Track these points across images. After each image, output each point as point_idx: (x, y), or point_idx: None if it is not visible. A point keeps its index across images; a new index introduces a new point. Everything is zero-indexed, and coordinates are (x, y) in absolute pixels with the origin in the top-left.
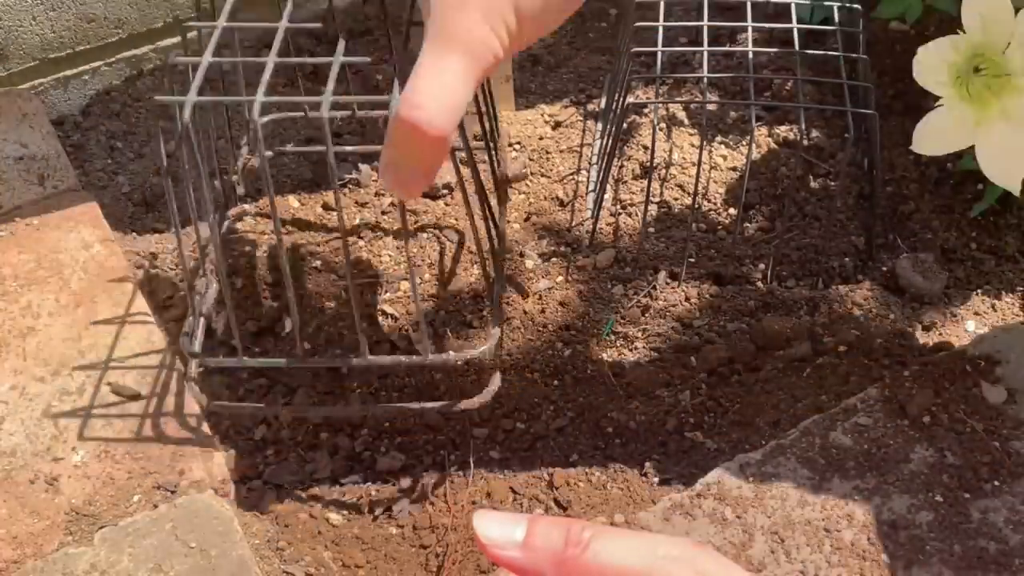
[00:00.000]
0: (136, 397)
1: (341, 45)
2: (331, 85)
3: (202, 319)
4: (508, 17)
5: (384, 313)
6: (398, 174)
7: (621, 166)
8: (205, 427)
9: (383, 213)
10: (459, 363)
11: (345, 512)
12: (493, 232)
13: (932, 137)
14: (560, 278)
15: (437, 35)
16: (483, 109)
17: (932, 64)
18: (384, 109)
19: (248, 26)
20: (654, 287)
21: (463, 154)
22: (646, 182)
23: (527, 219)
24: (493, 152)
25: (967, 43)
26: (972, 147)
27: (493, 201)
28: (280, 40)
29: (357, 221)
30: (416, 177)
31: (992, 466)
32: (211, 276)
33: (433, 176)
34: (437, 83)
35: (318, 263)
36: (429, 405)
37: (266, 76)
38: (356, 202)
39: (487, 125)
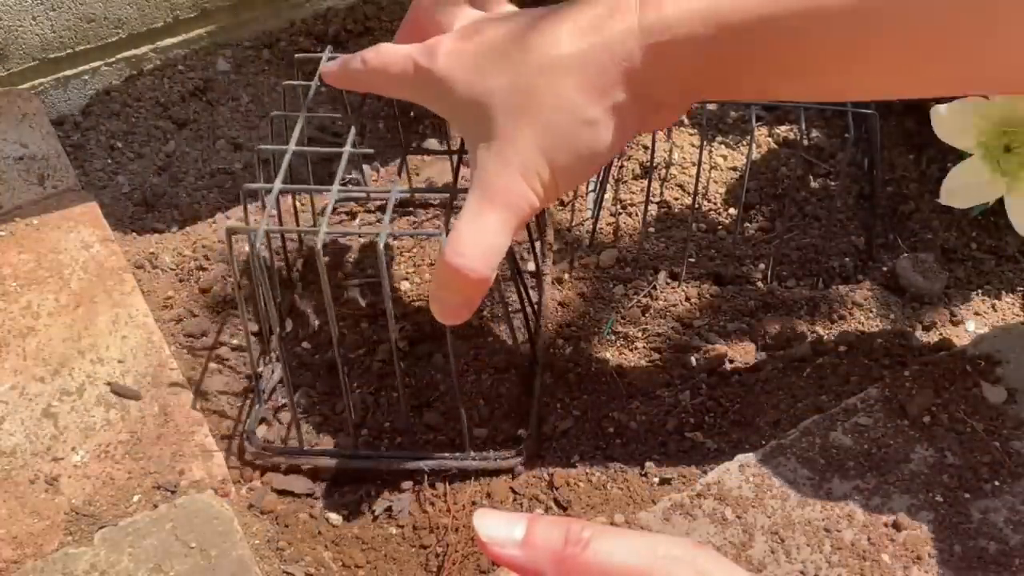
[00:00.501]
0: (136, 397)
1: (351, 135)
2: (387, 218)
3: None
4: (543, 172)
5: (384, 312)
6: (444, 306)
7: (621, 166)
8: (205, 427)
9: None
10: (499, 463)
11: (345, 512)
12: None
13: (961, 192)
14: (563, 275)
15: (480, 189)
16: (534, 236)
17: (955, 128)
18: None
19: (314, 151)
20: (654, 287)
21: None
22: (646, 182)
23: None
24: (541, 280)
25: (995, 112)
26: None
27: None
28: (344, 166)
29: (358, 221)
30: (460, 309)
31: (992, 466)
32: (275, 362)
33: (475, 307)
34: (479, 233)
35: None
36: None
37: (329, 209)
38: (357, 202)
39: (537, 249)
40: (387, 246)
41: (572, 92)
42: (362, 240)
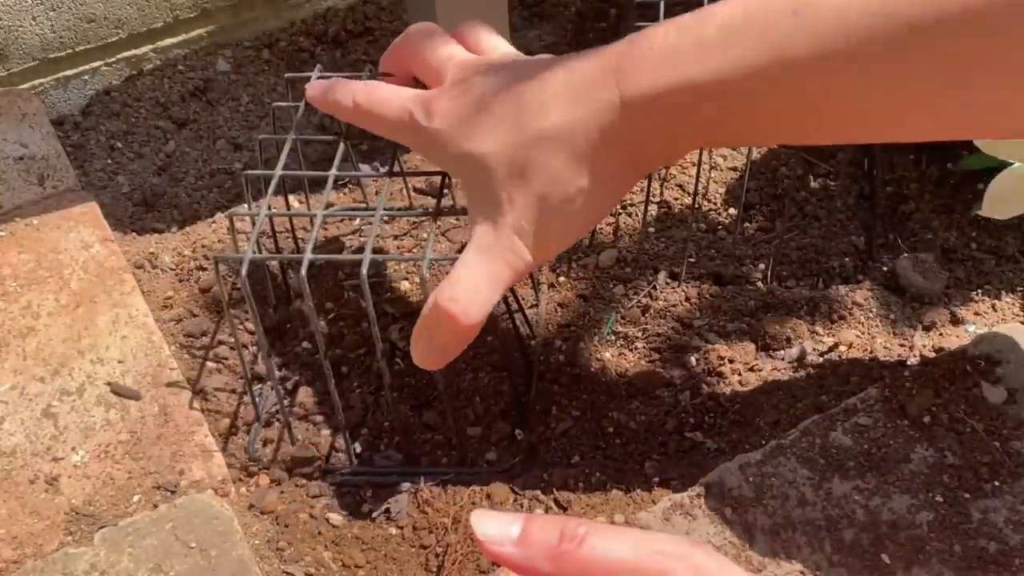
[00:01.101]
0: (136, 397)
1: (339, 153)
2: (369, 247)
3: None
4: (538, 236)
5: (384, 312)
6: (424, 349)
7: None
8: (205, 427)
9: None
10: (499, 478)
11: (345, 512)
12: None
13: (1005, 200)
14: (561, 278)
15: (477, 243)
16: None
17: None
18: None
19: (304, 174)
20: (654, 287)
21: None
22: (646, 182)
23: None
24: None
25: None
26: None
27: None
28: (331, 185)
29: (357, 222)
30: (440, 355)
31: (992, 466)
32: (268, 384)
33: (453, 355)
34: (474, 281)
35: (320, 262)
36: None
37: (315, 233)
38: (355, 200)
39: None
40: (382, 250)
41: (563, 165)
42: (361, 239)
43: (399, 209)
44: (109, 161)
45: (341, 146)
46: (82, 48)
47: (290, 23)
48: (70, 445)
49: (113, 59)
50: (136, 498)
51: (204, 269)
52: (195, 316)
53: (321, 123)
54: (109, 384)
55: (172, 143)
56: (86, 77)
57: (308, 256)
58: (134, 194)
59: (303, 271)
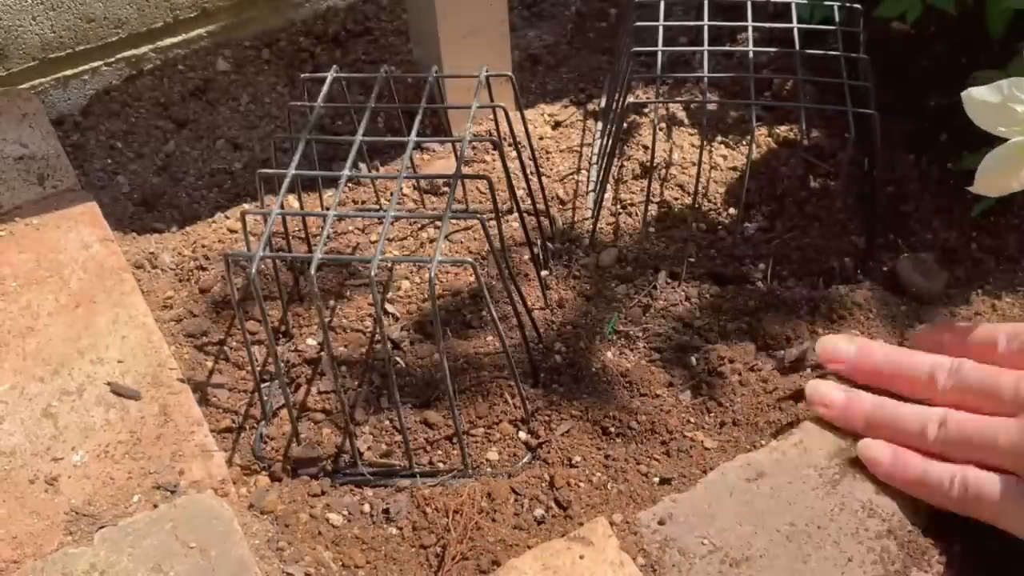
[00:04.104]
0: (136, 397)
1: (352, 154)
2: (381, 243)
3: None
4: None
5: (385, 312)
6: None
7: (621, 166)
8: (205, 427)
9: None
10: (500, 477)
11: (345, 512)
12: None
13: (996, 176)
14: (562, 278)
15: None
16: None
17: (991, 111)
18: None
19: (315, 174)
20: (655, 287)
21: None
22: (646, 182)
23: None
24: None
25: None
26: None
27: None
28: (343, 185)
29: (360, 222)
30: None
31: None
32: (275, 381)
33: None
34: None
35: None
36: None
37: (324, 233)
38: (353, 200)
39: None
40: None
41: None
42: (367, 236)
43: (408, 211)
44: (109, 161)
45: (354, 147)
46: (82, 48)
47: (290, 23)
48: (70, 445)
49: (113, 59)
50: (136, 498)
51: (204, 269)
52: (195, 316)
53: (320, 123)
54: (109, 384)
55: (172, 143)
56: (86, 77)
57: (318, 256)
58: (134, 194)
59: (312, 270)
